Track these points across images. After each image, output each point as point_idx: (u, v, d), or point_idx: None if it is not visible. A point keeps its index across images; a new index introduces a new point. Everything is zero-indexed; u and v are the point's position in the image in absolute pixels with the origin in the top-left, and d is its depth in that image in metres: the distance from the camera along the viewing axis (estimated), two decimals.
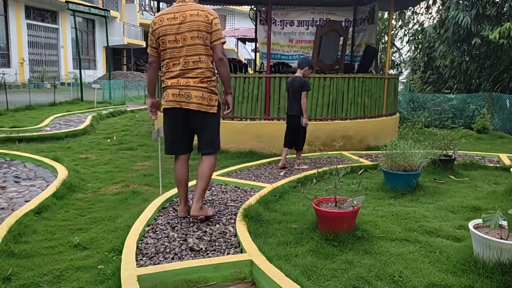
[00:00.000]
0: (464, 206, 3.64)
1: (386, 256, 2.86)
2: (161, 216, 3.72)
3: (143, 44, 29.32)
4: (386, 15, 16.51)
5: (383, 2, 9.46)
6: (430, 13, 18.05)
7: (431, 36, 16.79)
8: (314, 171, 5.20)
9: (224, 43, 3.49)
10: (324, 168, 5.25)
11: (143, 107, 14.40)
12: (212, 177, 4.83)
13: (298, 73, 5.52)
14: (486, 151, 7.27)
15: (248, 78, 6.88)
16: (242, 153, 6.76)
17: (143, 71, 29.21)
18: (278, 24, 10.86)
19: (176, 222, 3.57)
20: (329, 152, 6.45)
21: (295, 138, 5.60)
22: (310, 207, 3.73)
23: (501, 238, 2.53)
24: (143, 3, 30.79)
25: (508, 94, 12.61)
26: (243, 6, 17.12)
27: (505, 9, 12.70)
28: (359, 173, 5.35)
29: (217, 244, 3.15)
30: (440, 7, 16.47)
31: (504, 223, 2.54)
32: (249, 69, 11.00)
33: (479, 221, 2.73)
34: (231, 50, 33.79)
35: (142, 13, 28.94)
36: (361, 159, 5.99)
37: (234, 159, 6.49)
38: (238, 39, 16.48)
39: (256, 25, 11.03)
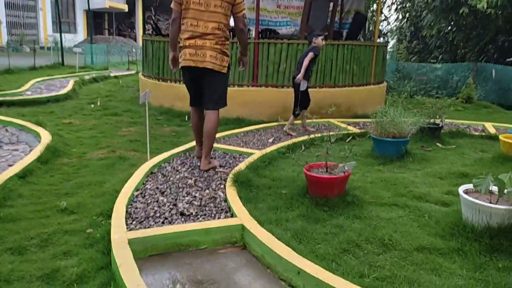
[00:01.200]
0: (452, 172, 3.69)
1: (376, 220, 2.89)
2: (150, 181, 3.67)
3: (125, 7, 28.43)
4: None
5: None
6: None
7: (419, 5, 16.64)
8: (303, 138, 5.18)
9: (243, 15, 3.87)
10: (314, 136, 5.24)
11: (126, 73, 14.08)
12: None
13: (312, 45, 5.56)
14: (471, 120, 7.35)
15: (235, 43, 6.72)
16: (229, 119, 6.68)
17: (125, 36, 28.45)
18: None
19: (165, 187, 3.52)
20: (317, 120, 6.42)
21: (294, 101, 5.60)
22: (300, 173, 3.73)
23: (490, 203, 2.56)
24: None
25: (494, 64, 12.70)
26: None
27: None
28: (348, 140, 5.36)
29: (207, 209, 3.14)
30: None
31: (494, 188, 2.57)
32: None
33: (469, 186, 2.76)
34: None
35: None
36: (349, 127, 5.99)
37: (221, 126, 6.35)
38: None
39: None
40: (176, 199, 3.27)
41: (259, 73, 6.79)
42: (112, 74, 12.85)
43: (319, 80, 6.90)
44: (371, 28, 17.14)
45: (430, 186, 3.43)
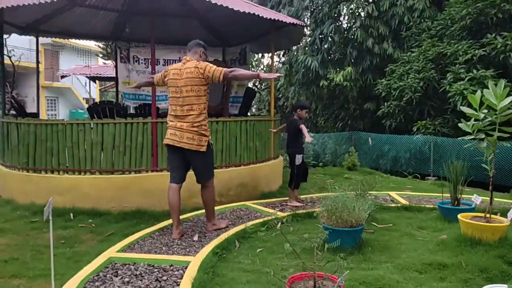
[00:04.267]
0: (425, 263, 3.36)
1: None
2: None
3: None
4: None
5: (254, 44, 9.48)
6: (279, 57, 19.20)
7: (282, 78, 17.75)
8: (234, 231, 4.48)
9: (221, 71, 4.23)
10: (245, 226, 4.60)
11: None
12: (113, 255, 3.80)
13: (295, 116, 5.92)
14: (368, 189, 7.54)
15: (130, 124, 5.85)
16: (128, 213, 5.63)
17: None
18: (142, 63, 9.98)
19: None
20: (231, 205, 5.79)
21: (291, 175, 5.82)
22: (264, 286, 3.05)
23: None
24: None
25: (349, 131, 13.94)
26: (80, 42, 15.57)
27: (347, 55, 14.11)
28: (278, 226, 4.83)
29: None
30: (287, 52, 17.65)
31: None
32: None
33: (490, 286, 2.44)
34: (66, 89, 30.75)
35: None
36: (269, 209, 5.49)
37: (119, 223, 5.34)
38: (90, 77, 14.72)
39: (116, 63, 9.92)
40: None
41: (159, 156, 5.97)
42: None
43: (225, 159, 6.36)
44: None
45: (418, 285, 3.05)
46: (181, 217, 5.17)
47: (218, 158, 6.29)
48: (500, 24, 9.24)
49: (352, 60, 14.34)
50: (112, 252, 3.87)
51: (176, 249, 4.05)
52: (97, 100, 26.19)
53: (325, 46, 14.90)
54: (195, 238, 4.39)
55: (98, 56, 16.88)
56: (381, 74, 13.64)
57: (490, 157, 3.58)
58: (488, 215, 3.67)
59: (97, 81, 20.07)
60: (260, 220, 4.93)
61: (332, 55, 14.96)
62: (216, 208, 5.59)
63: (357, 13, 13.77)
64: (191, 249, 4.04)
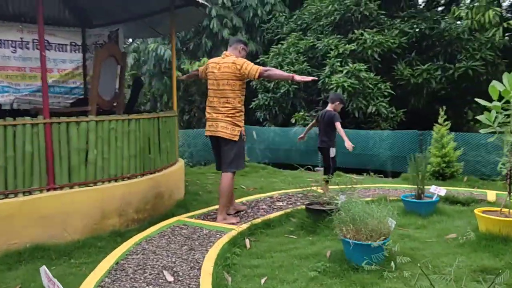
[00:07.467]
0: (475, 270, 2.94)
1: None
2: None
3: None
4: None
5: (130, 27, 8.03)
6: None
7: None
8: (208, 260, 3.48)
9: (257, 70, 4.40)
10: (213, 252, 3.65)
11: None
12: None
13: (329, 107, 5.75)
14: (268, 184, 7.22)
15: (12, 126, 4.10)
16: (21, 253, 3.97)
17: None
18: None
19: None
20: (164, 224, 4.62)
21: (325, 167, 5.70)
22: None
23: None
24: None
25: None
26: None
27: (202, 45, 13.50)
28: (247, 244, 4.02)
29: None
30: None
31: None
32: None
33: None
34: None
35: None
36: (214, 223, 4.57)
37: (15, 270, 3.77)
38: None
39: None
40: None
41: (56, 169, 4.38)
42: None
43: (140, 167, 5.08)
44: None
45: None
46: (121, 249, 3.87)
47: (132, 166, 5.00)
48: (362, 21, 9.98)
49: (207, 51, 13.82)
50: None
51: None
52: None
53: (179, 34, 13.97)
54: (170, 278, 3.26)
55: None
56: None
57: (507, 150, 3.55)
58: (507, 210, 3.65)
59: None
60: (225, 239, 4.02)
61: (186, 45, 14.10)
62: (147, 233, 4.41)
63: (212, 3, 13.27)
64: None
